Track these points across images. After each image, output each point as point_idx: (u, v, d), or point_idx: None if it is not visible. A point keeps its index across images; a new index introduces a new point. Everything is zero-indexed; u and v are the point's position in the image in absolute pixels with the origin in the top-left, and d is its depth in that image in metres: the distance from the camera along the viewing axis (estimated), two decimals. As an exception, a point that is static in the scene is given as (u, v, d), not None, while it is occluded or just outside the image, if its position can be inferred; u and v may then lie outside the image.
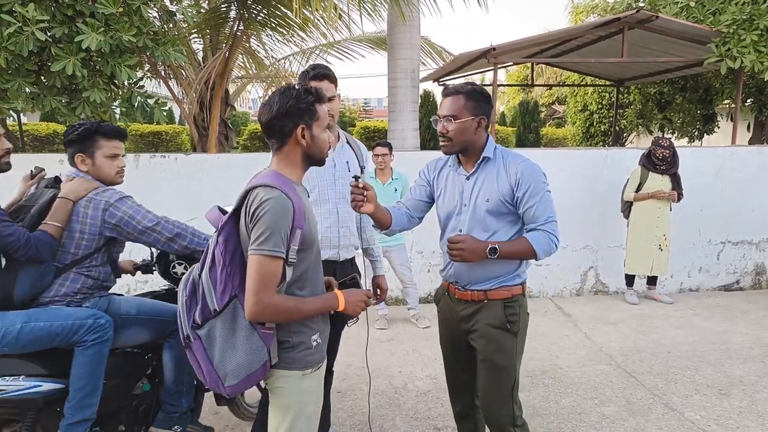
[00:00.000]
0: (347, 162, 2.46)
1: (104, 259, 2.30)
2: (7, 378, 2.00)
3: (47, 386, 2.06)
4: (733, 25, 6.02)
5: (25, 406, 2.05)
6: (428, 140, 12.80)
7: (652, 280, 5.45)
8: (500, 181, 2.01)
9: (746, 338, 4.34)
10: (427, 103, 12.97)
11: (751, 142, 8.89)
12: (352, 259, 2.55)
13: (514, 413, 2.09)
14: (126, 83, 4.65)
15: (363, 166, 2.55)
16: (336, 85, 2.43)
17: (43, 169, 2.45)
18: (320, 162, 1.75)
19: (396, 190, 4.54)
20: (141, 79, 5.12)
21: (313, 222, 1.69)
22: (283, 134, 1.64)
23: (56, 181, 2.31)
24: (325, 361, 1.81)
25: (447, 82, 10.14)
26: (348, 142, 2.55)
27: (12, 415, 2.09)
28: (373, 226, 2.22)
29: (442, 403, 3.31)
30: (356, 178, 1.94)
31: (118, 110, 5.12)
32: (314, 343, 1.68)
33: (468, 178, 2.07)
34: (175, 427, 2.45)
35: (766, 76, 5.93)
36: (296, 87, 1.66)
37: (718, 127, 10.29)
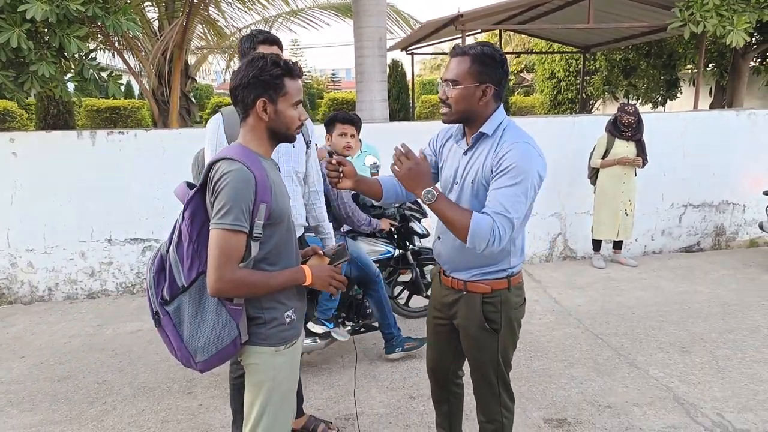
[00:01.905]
0: None
1: None
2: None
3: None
4: (696, -11, 6.06)
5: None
6: (398, 111, 12.67)
7: (617, 245, 5.59)
8: (487, 162, 1.77)
9: (706, 297, 4.52)
10: (396, 73, 12.78)
11: (712, 106, 9.10)
12: (301, 237, 2.50)
13: (501, 398, 2.02)
14: (76, 55, 4.39)
15: (309, 141, 2.46)
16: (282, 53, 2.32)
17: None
18: (287, 139, 1.68)
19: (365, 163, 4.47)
20: (93, 51, 4.86)
21: (282, 198, 1.64)
22: (245, 105, 1.59)
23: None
24: (302, 338, 1.79)
25: (416, 49, 9.99)
26: None
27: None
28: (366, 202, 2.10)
29: (417, 372, 3.34)
30: (330, 154, 1.90)
31: (71, 85, 4.86)
32: (287, 320, 1.66)
33: (465, 153, 1.88)
34: (397, 349, 3.49)
35: (728, 40, 6.02)
36: (266, 56, 1.56)
37: (681, 93, 10.50)
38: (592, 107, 13.28)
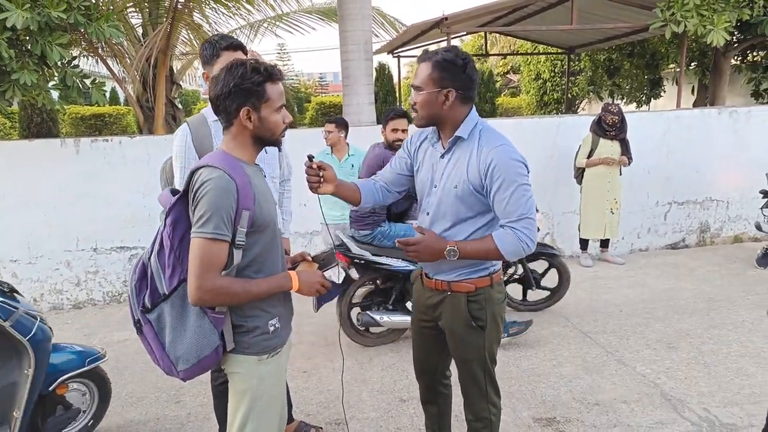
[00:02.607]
0: None
1: None
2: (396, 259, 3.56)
3: (411, 267, 3.50)
4: (676, -11, 6.14)
5: (401, 276, 3.68)
6: (385, 114, 12.68)
7: (604, 243, 5.64)
8: (470, 166, 1.79)
9: (692, 293, 4.58)
10: (383, 76, 12.82)
11: (695, 104, 9.22)
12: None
13: (489, 395, 2.04)
14: (59, 63, 4.35)
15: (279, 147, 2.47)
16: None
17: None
18: (273, 144, 1.67)
19: (353, 166, 4.47)
20: (75, 58, 4.81)
21: (267, 204, 1.63)
22: (228, 114, 1.56)
23: None
24: (288, 346, 1.77)
25: (402, 52, 10.03)
26: None
27: (393, 281, 3.75)
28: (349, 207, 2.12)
29: (407, 375, 3.35)
30: (310, 158, 1.87)
31: (54, 93, 4.81)
32: (271, 328, 1.64)
33: (442, 157, 1.89)
34: (503, 334, 3.10)
35: (709, 39, 6.11)
36: (245, 63, 1.54)
37: (664, 92, 10.63)
38: (578, 107, 13.41)
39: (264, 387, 1.65)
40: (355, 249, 3.53)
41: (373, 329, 3.85)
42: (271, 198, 1.68)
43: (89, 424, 2.71)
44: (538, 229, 3.86)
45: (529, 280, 4.17)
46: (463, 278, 1.90)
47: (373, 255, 3.56)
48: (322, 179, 1.88)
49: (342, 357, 2.65)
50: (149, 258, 1.60)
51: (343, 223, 4.52)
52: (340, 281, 4.78)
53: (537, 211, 3.86)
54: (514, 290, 4.34)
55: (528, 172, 1.81)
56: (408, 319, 3.58)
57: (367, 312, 3.67)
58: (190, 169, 1.58)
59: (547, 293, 4.32)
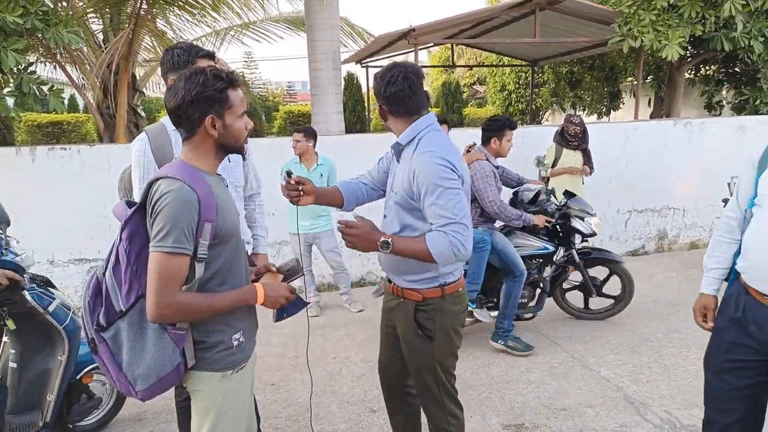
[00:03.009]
0: None
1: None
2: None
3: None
4: (633, 5, 6.41)
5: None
6: (354, 123, 12.71)
7: (569, 250, 5.76)
8: (405, 173, 1.87)
9: (652, 299, 4.72)
10: (351, 86, 12.84)
11: (652, 116, 9.60)
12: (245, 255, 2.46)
13: (445, 405, 2.03)
14: (14, 69, 4.19)
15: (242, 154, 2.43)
16: None
17: None
18: (237, 151, 1.63)
19: (321, 175, 4.45)
20: (32, 64, 4.65)
21: (230, 214, 1.58)
22: (191, 124, 1.50)
23: None
24: (253, 360, 1.73)
25: (370, 62, 10.09)
26: None
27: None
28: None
29: (377, 386, 3.30)
30: (288, 174, 1.94)
31: (10, 99, 4.62)
32: (235, 343, 1.59)
33: (397, 163, 1.98)
34: (500, 341, 3.72)
35: (664, 54, 6.38)
36: (205, 71, 1.50)
37: (623, 104, 11.03)
38: (542, 118, 13.75)
39: (228, 404, 1.59)
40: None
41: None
42: (234, 208, 1.64)
43: (109, 411, 2.89)
44: (594, 234, 3.99)
45: (588, 288, 4.15)
46: (412, 286, 1.94)
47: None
48: (301, 193, 1.95)
49: (309, 371, 2.62)
50: (104, 273, 1.52)
51: (312, 233, 4.49)
52: (310, 292, 4.73)
53: (593, 214, 4.04)
54: (575, 298, 4.33)
55: (455, 176, 1.78)
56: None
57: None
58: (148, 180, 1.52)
59: (610, 301, 4.24)
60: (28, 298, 2.33)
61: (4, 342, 2.47)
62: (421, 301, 1.93)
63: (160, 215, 1.42)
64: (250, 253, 2.52)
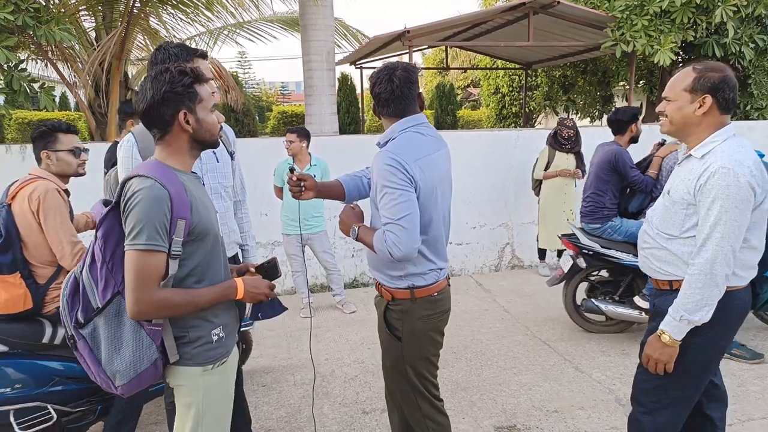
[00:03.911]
0: (214, 152, 2.26)
1: None
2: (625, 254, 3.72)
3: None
4: (626, 10, 6.46)
5: (629, 270, 3.80)
6: (348, 124, 12.71)
7: (561, 253, 5.79)
8: (372, 172, 1.91)
9: (643, 301, 4.74)
10: (346, 87, 12.83)
11: (643, 121, 9.67)
12: (235, 257, 2.42)
13: (422, 408, 2.01)
14: (5, 66, 4.15)
15: (232, 152, 2.40)
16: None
17: None
18: (212, 145, 1.64)
19: (315, 176, 4.44)
20: (23, 61, 4.60)
21: (206, 212, 1.59)
22: (165, 123, 1.51)
23: None
24: (234, 355, 1.74)
25: (364, 63, 10.09)
26: None
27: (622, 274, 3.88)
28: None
29: (370, 387, 3.32)
30: (291, 170, 2.02)
31: (0, 97, 4.57)
32: (215, 338, 1.60)
33: None
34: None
35: (656, 58, 6.43)
36: (170, 68, 1.52)
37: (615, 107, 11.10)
38: (535, 121, 13.81)
39: (211, 398, 1.61)
40: (584, 240, 3.87)
41: (595, 317, 4.05)
42: (210, 206, 1.65)
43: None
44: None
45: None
46: (383, 283, 1.98)
47: (602, 247, 3.79)
48: (303, 188, 2.00)
49: (313, 368, 2.61)
50: (81, 272, 1.54)
51: (306, 234, 4.47)
52: (302, 293, 4.71)
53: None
54: None
55: (403, 176, 1.76)
56: (633, 313, 3.74)
57: (592, 299, 3.87)
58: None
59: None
60: None
61: None
62: (390, 300, 1.96)
63: (132, 213, 1.43)
64: (241, 258, 2.50)
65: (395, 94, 1.87)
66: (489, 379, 3.39)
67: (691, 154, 1.84)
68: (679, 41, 6.50)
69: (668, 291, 1.90)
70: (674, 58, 6.65)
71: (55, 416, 2.35)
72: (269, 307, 2.83)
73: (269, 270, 1.80)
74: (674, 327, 1.78)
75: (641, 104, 10.22)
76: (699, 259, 1.73)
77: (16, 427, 2.28)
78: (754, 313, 3.98)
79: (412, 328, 1.94)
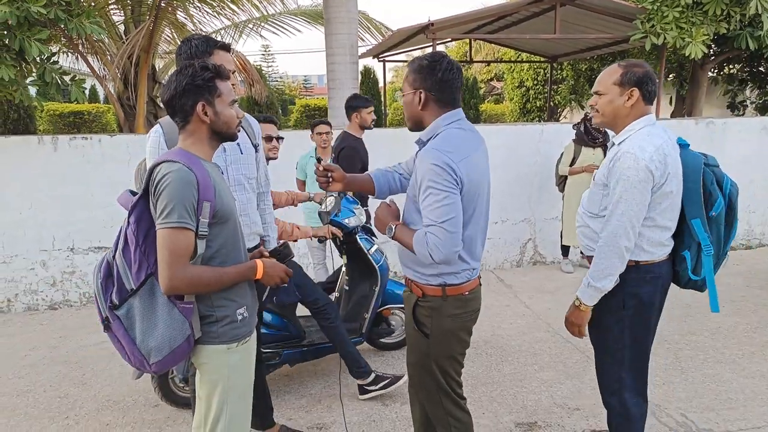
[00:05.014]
0: (238, 144, 2.28)
1: None
2: None
3: None
4: (656, 2, 6.29)
5: None
6: (370, 117, 12.70)
7: (585, 249, 5.71)
8: (416, 170, 1.82)
9: (669, 299, 4.62)
10: (368, 80, 12.84)
11: (673, 115, 9.44)
12: (256, 247, 2.40)
13: (445, 406, 2.00)
14: (37, 59, 4.26)
15: (256, 144, 2.42)
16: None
17: None
18: (230, 138, 1.73)
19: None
20: (55, 54, 4.72)
21: (228, 198, 1.69)
22: (185, 113, 1.63)
23: None
24: (254, 337, 1.82)
25: (387, 56, 10.06)
26: None
27: None
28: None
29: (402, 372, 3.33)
30: (318, 160, 2.00)
31: (32, 89, 4.71)
32: (240, 317, 1.69)
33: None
34: None
35: (687, 51, 6.26)
36: (194, 64, 1.63)
37: (644, 102, 10.84)
38: (560, 115, 13.60)
39: (235, 376, 1.69)
40: None
41: None
42: (229, 193, 1.74)
43: (396, 343, 3.68)
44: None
45: None
46: (415, 279, 1.94)
47: None
48: (331, 179, 1.99)
49: (340, 361, 2.65)
50: (113, 256, 1.62)
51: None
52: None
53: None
54: None
55: (450, 178, 1.70)
56: None
57: None
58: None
59: None
60: (359, 241, 3.31)
61: (343, 271, 3.61)
62: (421, 296, 1.92)
63: (163, 194, 1.52)
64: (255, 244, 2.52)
65: (451, 84, 1.83)
66: (509, 375, 3.37)
67: (613, 142, 2.05)
68: (712, 34, 6.31)
69: None
70: (706, 51, 6.46)
71: None
72: (284, 292, 2.93)
73: (282, 253, 1.86)
74: (584, 293, 2.04)
75: (671, 98, 9.97)
76: (604, 233, 1.95)
77: None
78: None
79: (440, 326, 1.90)
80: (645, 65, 2.00)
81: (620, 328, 2.10)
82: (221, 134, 1.69)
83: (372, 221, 2.09)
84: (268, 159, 2.97)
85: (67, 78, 4.50)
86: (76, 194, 4.66)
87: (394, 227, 1.89)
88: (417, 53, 12.68)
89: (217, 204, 1.60)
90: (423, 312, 1.92)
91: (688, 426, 2.79)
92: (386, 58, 10.24)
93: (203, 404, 1.69)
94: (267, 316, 3.13)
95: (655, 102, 6.26)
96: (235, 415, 1.71)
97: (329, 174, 1.99)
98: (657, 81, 2.03)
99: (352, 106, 4.17)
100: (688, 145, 2.07)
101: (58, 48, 5.87)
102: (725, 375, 3.31)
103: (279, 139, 3.13)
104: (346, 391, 3.22)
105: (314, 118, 13.12)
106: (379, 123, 12.47)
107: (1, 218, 4.55)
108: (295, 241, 3.22)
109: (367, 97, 4.29)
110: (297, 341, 3.23)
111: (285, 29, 8.80)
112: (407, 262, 1.97)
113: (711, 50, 7.61)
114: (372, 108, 4.22)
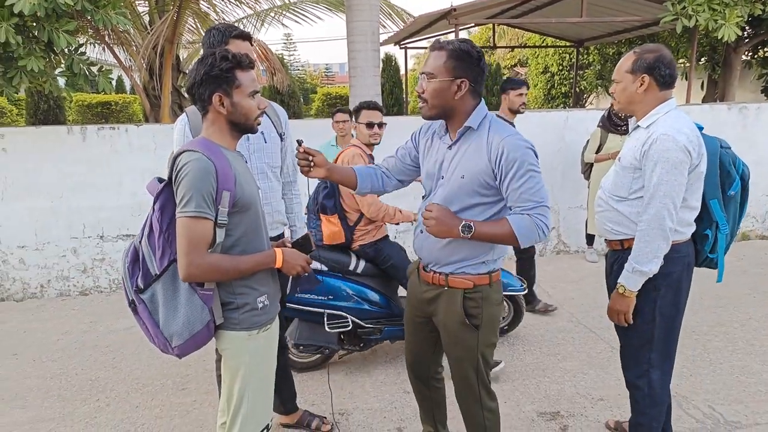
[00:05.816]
0: (262, 133, 2.29)
1: None
2: None
3: None
4: (688, -17, 6.07)
5: None
6: (391, 106, 12.65)
7: (610, 238, 5.61)
8: (480, 156, 1.77)
9: (698, 290, 4.51)
10: (389, 68, 12.75)
11: (704, 100, 9.15)
12: (280, 236, 2.44)
13: (482, 400, 2.00)
14: (65, 50, 4.34)
15: (282, 133, 2.41)
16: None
17: None
18: (249, 130, 1.73)
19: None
20: (82, 45, 4.81)
21: (249, 187, 1.69)
22: (203, 102, 1.64)
23: None
24: (276, 324, 1.84)
25: (409, 43, 9.96)
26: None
27: None
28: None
29: (411, 367, 3.35)
30: (299, 142, 1.93)
31: (61, 80, 4.81)
32: (260, 305, 1.71)
33: (450, 148, 1.87)
34: None
35: (720, 34, 6.04)
36: (215, 53, 1.62)
37: (674, 87, 10.53)
38: (586, 101, 13.31)
39: (256, 362, 1.72)
40: None
41: None
42: (252, 182, 1.75)
43: (505, 328, 3.69)
44: None
45: None
46: (462, 272, 1.88)
47: None
48: (312, 164, 1.92)
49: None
50: (140, 242, 1.66)
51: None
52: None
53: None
54: None
55: (537, 159, 1.81)
56: None
57: None
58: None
59: None
60: None
61: None
62: (471, 288, 1.87)
63: (182, 184, 1.54)
64: (287, 236, 2.55)
65: (485, 74, 1.83)
66: (532, 365, 3.35)
67: (638, 126, 2.05)
68: (746, 15, 6.07)
69: (620, 250, 2.12)
70: (740, 33, 6.22)
71: (351, 325, 3.14)
72: (306, 280, 2.95)
73: (304, 244, 1.86)
74: (629, 279, 2.01)
75: (702, 83, 9.65)
76: (646, 216, 1.94)
77: (326, 326, 3.11)
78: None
79: (490, 314, 1.91)
80: (660, 49, 2.01)
81: (651, 309, 2.09)
82: (239, 125, 1.68)
83: (419, 228, 1.93)
84: (370, 144, 3.18)
85: (94, 69, 4.58)
86: (105, 183, 4.77)
87: (472, 225, 1.75)
88: (441, 39, 12.50)
89: (238, 193, 1.61)
90: (472, 304, 1.89)
91: (715, 418, 2.73)
92: (407, 45, 10.15)
93: (226, 389, 1.73)
94: (372, 295, 3.25)
95: (686, 86, 6.03)
96: (256, 400, 1.74)
97: (310, 158, 1.90)
98: (673, 64, 2.02)
99: (502, 88, 3.96)
100: (703, 128, 2.07)
101: (85, 39, 5.97)
102: (754, 367, 3.23)
103: (381, 125, 3.20)
104: (368, 378, 3.25)
105: (336, 106, 13.12)
106: (401, 110, 12.40)
107: (34, 206, 4.70)
108: (398, 224, 3.30)
109: (517, 79, 4.00)
110: (398, 319, 3.29)
111: (306, 17, 8.79)
112: (451, 257, 1.87)
113: (745, 32, 7.32)
114: (521, 90, 3.90)
